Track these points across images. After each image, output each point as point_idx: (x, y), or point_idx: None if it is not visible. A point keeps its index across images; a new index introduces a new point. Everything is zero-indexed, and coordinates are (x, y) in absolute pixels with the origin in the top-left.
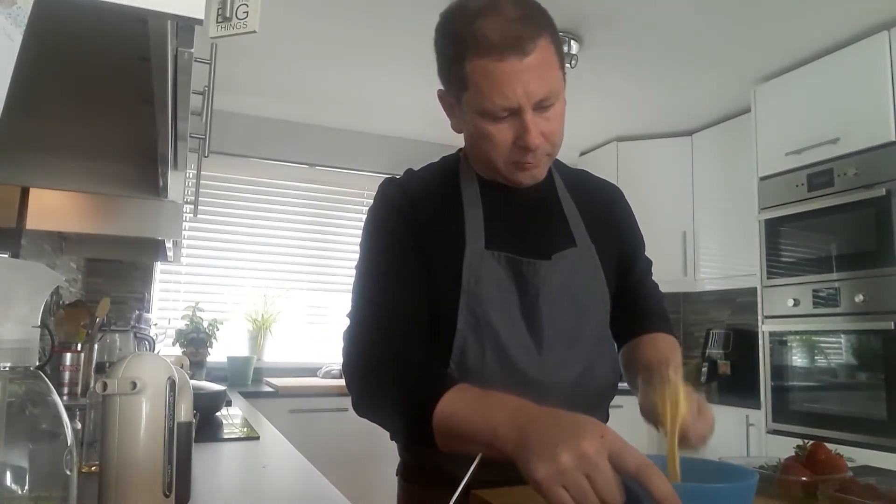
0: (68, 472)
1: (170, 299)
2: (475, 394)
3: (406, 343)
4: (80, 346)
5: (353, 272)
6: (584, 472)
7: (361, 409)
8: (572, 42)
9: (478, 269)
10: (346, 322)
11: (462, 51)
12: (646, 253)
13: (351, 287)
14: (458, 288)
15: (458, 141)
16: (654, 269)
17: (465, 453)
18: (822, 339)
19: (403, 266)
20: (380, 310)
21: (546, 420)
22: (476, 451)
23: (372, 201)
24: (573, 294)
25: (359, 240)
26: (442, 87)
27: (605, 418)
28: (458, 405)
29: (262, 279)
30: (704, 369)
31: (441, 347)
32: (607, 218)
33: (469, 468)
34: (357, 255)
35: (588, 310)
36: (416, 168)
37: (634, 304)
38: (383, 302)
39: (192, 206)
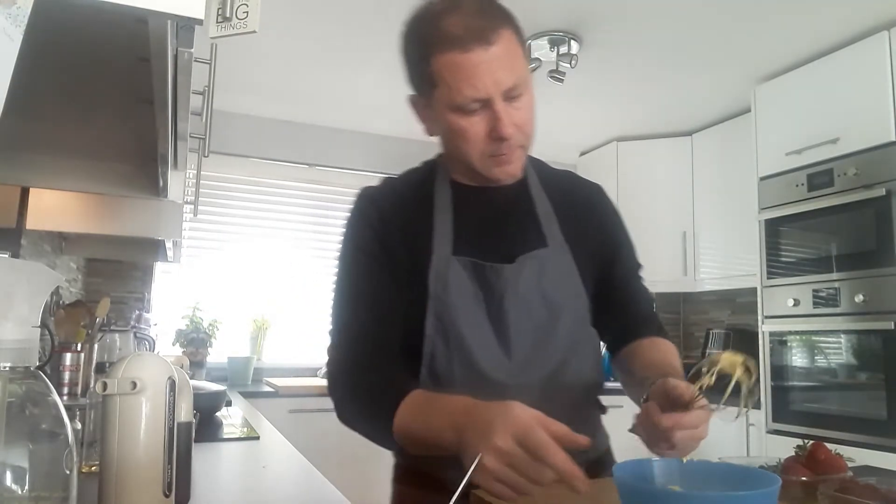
0: (68, 472)
1: (170, 299)
2: (422, 401)
3: (372, 362)
4: (80, 346)
5: None
6: (506, 463)
7: (344, 423)
8: (572, 42)
9: (444, 275)
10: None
11: (427, 49)
12: (637, 257)
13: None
14: (427, 294)
15: None
16: (654, 269)
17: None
18: (822, 339)
19: (373, 283)
20: (349, 332)
21: (473, 421)
22: (439, 452)
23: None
24: (543, 294)
25: None
26: (412, 93)
27: (593, 412)
28: (410, 416)
29: (262, 279)
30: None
31: (414, 353)
32: (586, 217)
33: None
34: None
35: (561, 309)
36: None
37: (622, 309)
38: (353, 324)
39: (192, 206)
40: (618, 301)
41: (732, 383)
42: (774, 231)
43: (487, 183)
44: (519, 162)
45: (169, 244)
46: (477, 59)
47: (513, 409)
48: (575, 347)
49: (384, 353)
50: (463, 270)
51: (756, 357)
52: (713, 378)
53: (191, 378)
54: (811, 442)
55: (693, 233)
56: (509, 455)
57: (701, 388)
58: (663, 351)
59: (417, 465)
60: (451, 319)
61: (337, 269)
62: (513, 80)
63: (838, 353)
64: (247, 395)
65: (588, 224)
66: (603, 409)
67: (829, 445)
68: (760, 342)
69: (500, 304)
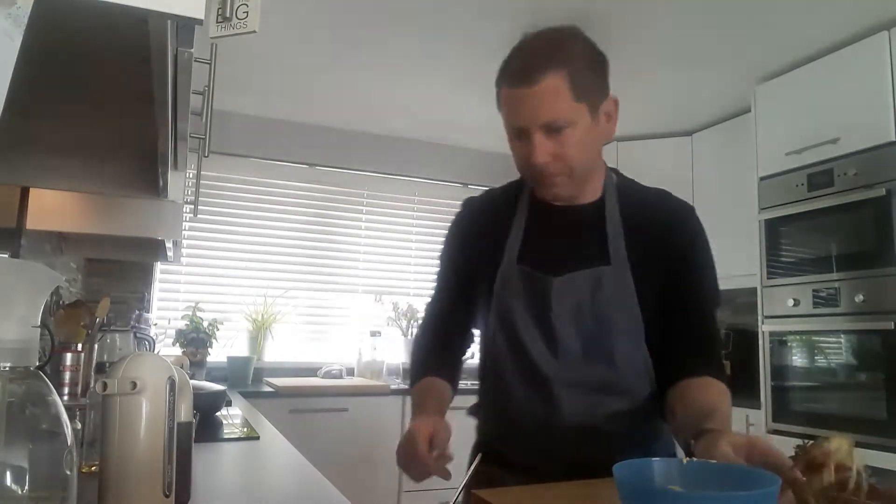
0: (68, 472)
1: (170, 299)
2: (417, 393)
3: (426, 347)
4: (80, 346)
5: (354, 271)
6: (404, 459)
7: None
8: None
9: (507, 279)
10: None
11: (499, 80)
12: (714, 290)
13: (351, 286)
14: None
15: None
16: None
17: None
18: (822, 339)
19: (447, 282)
20: (427, 311)
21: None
22: None
23: (373, 202)
24: (595, 309)
25: (358, 239)
26: None
27: (651, 420)
28: (415, 401)
29: (262, 279)
30: None
31: (482, 342)
32: (659, 240)
33: (469, 468)
34: (363, 254)
35: (613, 324)
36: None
37: (677, 339)
38: (430, 306)
39: (192, 206)
40: (675, 330)
41: (854, 473)
42: (774, 231)
43: (543, 197)
44: (565, 187)
45: (169, 244)
46: (519, 94)
47: (419, 424)
48: (626, 364)
49: (442, 330)
50: (519, 278)
51: (756, 357)
52: (833, 473)
53: (191, 378)
54: (811, 442)
55: None
56: (404, 452)
57: (824, 489)
58: (707, 392)
59: (492, 443)
60: (509, 317)
61: None
62: (550, 116)
63: (838, 353)
64: (247, 395)
65: (658, 247)
66: (665, 418)
67: None
68: (760, 342)
69: (547, 313)
